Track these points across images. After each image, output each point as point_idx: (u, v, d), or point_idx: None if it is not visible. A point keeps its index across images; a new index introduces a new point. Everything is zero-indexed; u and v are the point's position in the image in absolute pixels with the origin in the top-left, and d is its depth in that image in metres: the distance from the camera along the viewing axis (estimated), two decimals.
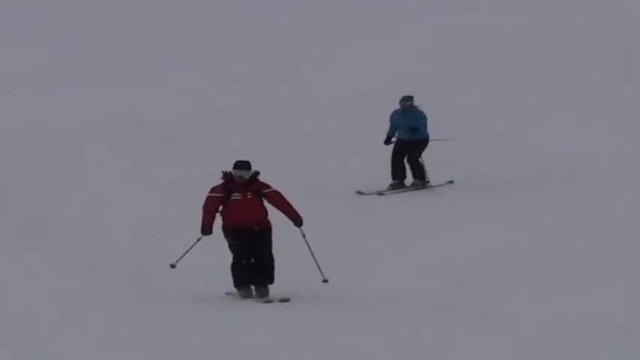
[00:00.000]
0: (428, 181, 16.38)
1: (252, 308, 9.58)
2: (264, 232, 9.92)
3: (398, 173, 16.16)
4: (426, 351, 8.79)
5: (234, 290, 10.04)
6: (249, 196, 9.86)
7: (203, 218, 9.90)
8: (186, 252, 10.12)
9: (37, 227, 13.34)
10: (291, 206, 10.01)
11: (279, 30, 27.47)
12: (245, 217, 9.76)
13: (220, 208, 9.94)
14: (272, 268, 9.87)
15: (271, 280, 9.86)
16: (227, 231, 9.86)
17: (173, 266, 10.05)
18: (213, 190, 9.92)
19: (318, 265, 10.09)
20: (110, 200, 15.22)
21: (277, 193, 10.03)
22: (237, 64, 25.50)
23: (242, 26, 27.79)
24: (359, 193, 16.06)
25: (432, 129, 16.86)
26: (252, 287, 9.94)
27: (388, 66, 25.22)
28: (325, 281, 10.02)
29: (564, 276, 12.09)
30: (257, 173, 10.08)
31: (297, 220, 9.98)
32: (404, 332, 9.55)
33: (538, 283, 11.80)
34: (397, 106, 17.25)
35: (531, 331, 9.48)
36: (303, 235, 10.06)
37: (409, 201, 17.03)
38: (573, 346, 8.90)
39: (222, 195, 9.83)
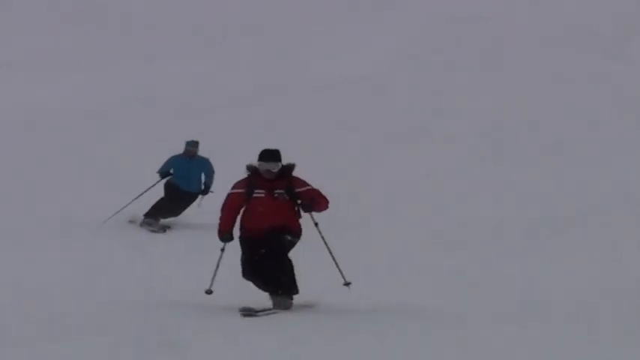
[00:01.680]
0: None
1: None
2: (279, 236, 7.89)
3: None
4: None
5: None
6: (275, 195, 7.92)
7: (220, 220, 8.06)
8: (216, 271, 8.20)
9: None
10: (324, 201, 8.14)
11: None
12: (263, 221, 7.82)
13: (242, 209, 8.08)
14: (291, 275, 7.96)
15: (295, 290, 8.01)
16: (241, 237, 8.05)
17: (209, 292, 8.05)
18: (235, 185, 8.08)
19: (339, 267, 8.38)
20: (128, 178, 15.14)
21: (316, 192, 8.09)
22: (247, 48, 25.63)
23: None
24: None
25: None
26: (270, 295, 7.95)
27: (384, 47, 25.20)
28: (347, 284, 8.30)
29: (545, 241, 13.03)
30: (291, 166, 8.10)
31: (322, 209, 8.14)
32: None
33: (519, 249, 12.65)
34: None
35: (511, 292, 10.06)
36: (322, 237, 8.38)
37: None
38: (548, 307, 9.41)
39: (243, 190, 7.97)
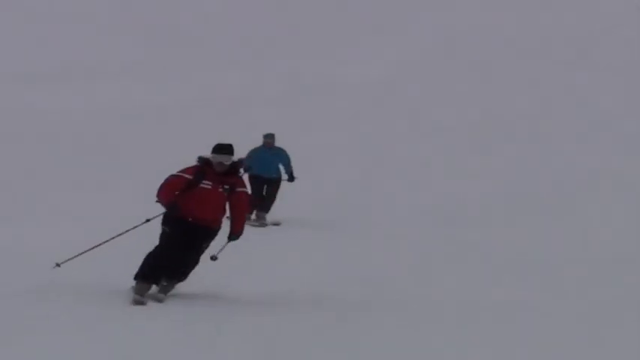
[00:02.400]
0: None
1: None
2: (210, 234, 7.86)
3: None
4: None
5: (131, 284, 7.74)
6: (220, 190, 7.79)
7: (161, 195, 7.64)
8: (123, 234, 8.01)
9: None
10: (244, 216, 8.25)
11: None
12: (204, 210, 7.71)
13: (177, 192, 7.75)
14: (192, 269, 7.86)
15: (184, 279, 7.90)
16: (171, 219, 7.69)
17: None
18: (183, 170, 7.78)
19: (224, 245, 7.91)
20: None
21: (246, 197, 8.12)
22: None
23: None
24: None
25: None
26: (152, 286, 7.73)
27: (396, 56, 27.74)
28: (214, 258, 7.84)
29: (525, 217, 14.35)
30: (240, 163, 8.10)
31: (239, 234, 7.94)
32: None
33: (504, 223, 13.92)
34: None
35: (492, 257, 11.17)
36: (229, 241, 7.92)
37: None
38: (524, 268, 10.48)
39: (191, 178, 7.70)
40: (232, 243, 7.89)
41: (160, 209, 7.79)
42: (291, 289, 9.00)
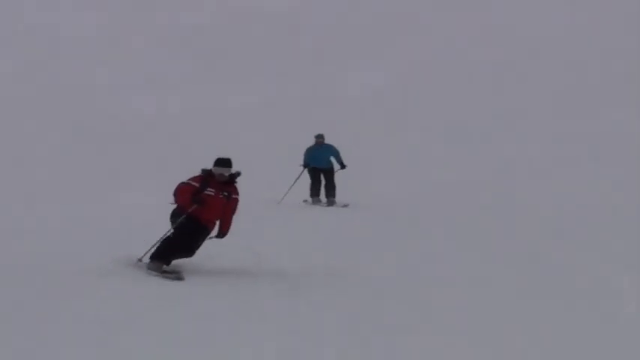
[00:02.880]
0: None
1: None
2: (210, 230, 8.65)
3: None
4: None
5: (146, 259, 8.48)
6: (220, 196, 8.62)
7: (180, 197, 8.52)
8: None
9: None
10: (232, 219, 8.74)
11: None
12: (210, 213, 8.52)
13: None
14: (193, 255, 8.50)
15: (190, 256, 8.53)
16: (185, 216, 8.50)
17: (219, 236, 8.70)
18: (191, 179, 8.63)
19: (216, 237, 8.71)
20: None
21: (236, 203, 8.74)
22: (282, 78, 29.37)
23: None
24: None
25: None
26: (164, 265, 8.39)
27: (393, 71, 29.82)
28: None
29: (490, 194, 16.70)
30: (237, 174, 8.78)
31: (225, 232, 8.67)
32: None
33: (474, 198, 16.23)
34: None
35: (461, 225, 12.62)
36: (216, 237, 8.67)
37: None
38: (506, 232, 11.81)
39: (198, 186, 8.55)
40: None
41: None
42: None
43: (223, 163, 8.71)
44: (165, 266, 8.38)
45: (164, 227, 8.54)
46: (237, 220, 8.62)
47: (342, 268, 8.82)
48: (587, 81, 28.33)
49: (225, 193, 8.67)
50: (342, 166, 15.53)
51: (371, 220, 13.20)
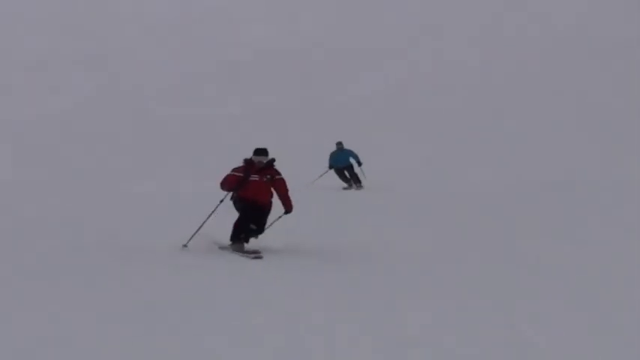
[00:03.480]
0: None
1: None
2: (267, 209, 9.40)
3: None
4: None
5: (227, 244, 9.32)
6: (264, 180, 9.36)
7: (227, 186, 9.33)
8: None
9: None
10: (288, 195, 9.46)
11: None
12: (259, 194, 9.28)
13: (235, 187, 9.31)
14: (262, 232, 9.30)
15: (260, 234, 9.37)
16: (241, 201, 9.33)
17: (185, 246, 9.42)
18: (234, 169, 9.43)
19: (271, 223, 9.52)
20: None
21: (283, 182, 9.47)
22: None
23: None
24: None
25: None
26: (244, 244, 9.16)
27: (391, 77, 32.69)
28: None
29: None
30: (273, 160, 9.57)
31: (289, 209, 9.40)
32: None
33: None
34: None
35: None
36: (285, 214, 9.48)
37: None
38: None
39: (242, 175, 9.32)
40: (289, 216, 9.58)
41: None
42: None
43: (260, 152, 9.61)
44: (246, 245, 9.35)
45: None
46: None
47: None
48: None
49: (268, 176, 9.50)
50: (359, 164, 18.78)
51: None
